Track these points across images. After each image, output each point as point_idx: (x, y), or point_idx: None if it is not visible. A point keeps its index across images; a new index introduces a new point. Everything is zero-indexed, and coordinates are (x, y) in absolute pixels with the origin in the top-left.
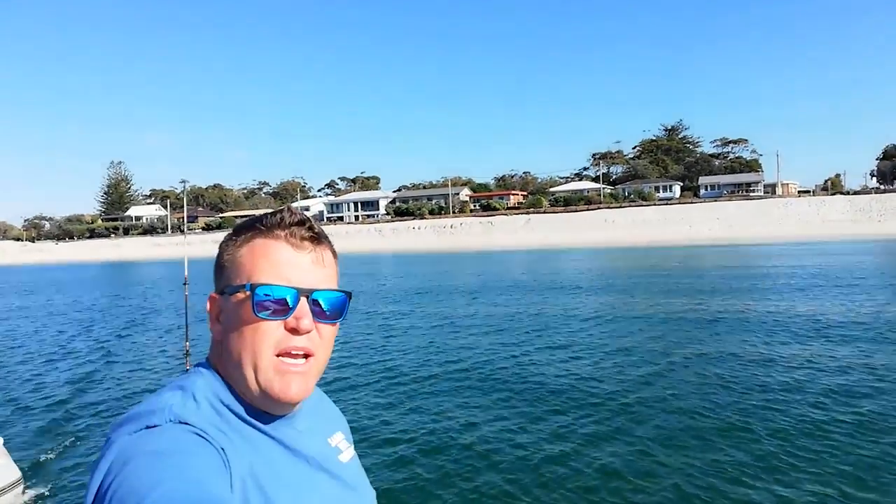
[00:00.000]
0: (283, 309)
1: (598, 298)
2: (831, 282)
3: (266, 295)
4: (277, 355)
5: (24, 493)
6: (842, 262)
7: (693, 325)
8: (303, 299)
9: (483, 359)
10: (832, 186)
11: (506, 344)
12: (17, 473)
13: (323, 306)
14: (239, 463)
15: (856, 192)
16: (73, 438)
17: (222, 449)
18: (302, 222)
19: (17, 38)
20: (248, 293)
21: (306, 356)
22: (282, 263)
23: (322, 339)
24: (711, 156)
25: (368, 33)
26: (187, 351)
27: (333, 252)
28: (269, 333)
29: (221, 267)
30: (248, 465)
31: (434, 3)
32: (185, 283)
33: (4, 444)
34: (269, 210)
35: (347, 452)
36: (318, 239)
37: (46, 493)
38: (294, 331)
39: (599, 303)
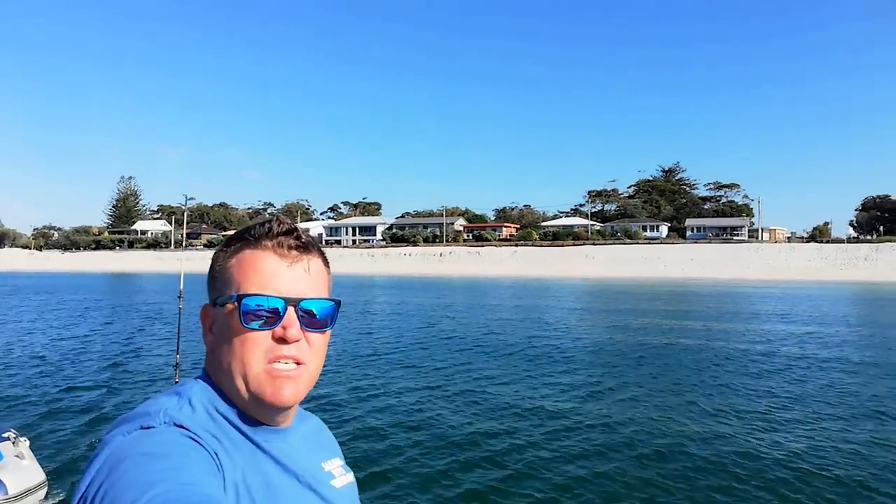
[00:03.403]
0: (270, 319)
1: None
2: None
3: (253, 305)
4: (268, 363)
5: (47, 496)
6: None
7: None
8: (290, 308)
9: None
10: (820, 234)
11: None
12: (42, 476)
13: (311, 315)
14: (231, 469)
15: (828, 241)
16: (94, 441)
17: (215, 454)
18: (289, 232)
19: (40, 46)
20: (235, 304)
21: (297, 363)
22: (268, 273)
23: (312, 347)
24: (703, 198)
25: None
26: (177, 363)
27: (325, 260)
28: (257, 343)
29: (213, 278)
30: (240, 473)
31: (449, 45)
32: (179, 297)
33: (31, 447)
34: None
35: (342, 479)
36: (307, 248)
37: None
38: (282, 340)
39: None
